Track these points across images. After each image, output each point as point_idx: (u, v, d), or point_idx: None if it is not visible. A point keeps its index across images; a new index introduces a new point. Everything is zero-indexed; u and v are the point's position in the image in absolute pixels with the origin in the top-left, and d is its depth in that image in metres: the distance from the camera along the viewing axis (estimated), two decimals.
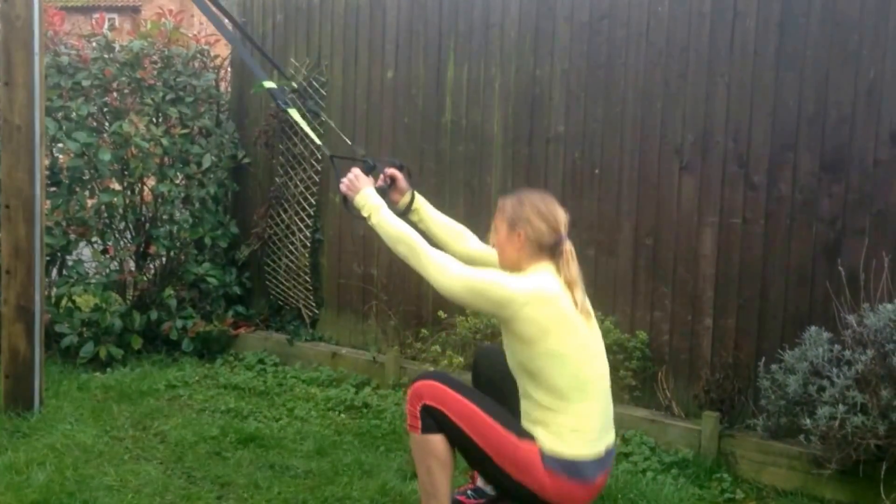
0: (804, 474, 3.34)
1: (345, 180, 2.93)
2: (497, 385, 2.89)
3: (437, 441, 2.70)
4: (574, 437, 2.60)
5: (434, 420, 2.67)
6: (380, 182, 3.04)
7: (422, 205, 3.12)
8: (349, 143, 3.42)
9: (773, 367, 3.38)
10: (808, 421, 3.13)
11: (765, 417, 3.42)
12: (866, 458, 3.08)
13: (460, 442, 2.68)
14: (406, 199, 3.08)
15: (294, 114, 3.21)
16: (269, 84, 3.27)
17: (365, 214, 2.85)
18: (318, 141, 3.20)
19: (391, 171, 3.08)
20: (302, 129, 3.22)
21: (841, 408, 3.03)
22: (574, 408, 2.61)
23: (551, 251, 2.69)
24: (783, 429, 3.39)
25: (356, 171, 2.93)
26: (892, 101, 3.36)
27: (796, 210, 3.57)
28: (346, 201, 2.94)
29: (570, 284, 2.67)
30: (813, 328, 3.30)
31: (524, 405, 2.69)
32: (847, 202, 3.47)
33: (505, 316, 2.61)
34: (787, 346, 3.39)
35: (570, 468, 2.59)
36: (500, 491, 2.79)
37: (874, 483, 3.08)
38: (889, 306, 3.10)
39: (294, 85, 3.44)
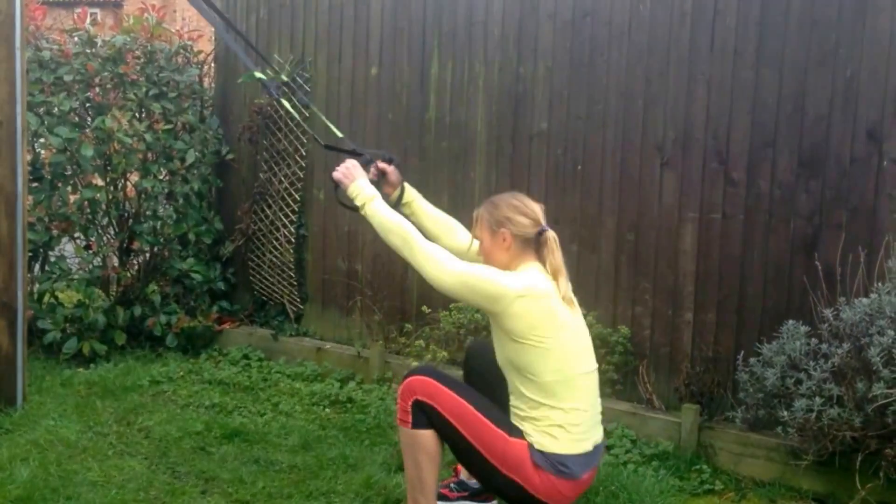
0: (782, 465, 3.39)
1: (341, 168, 2.93)
2: (488, 380, 2.93)
3: (427, 436, 2.73)
4: (561, 434, 2.64)
5: (426, 415, 2.70)
6: (370, 176, 3.05)
7: (414, 198, 3.14)
8: (339, 135, 3.43)
9: (752, 360, 3.43)
10: (785, 413, 3.18)
11: (743, 410, 3.47)
12: (842, 450, 3.14)
13: (451, 438, 2.71)
14: (397, 192, 3.11)
15: (286, 104, 3.23)
16: (259, 74, 3.28)
17: (358, 203, 2.86)
18: (310, 131, 3.21)
19: (382, 164, 3.10)
20: (297, 119, 3.24)
21: (817, 400, 3.08)
22: (561, 404, 2.65)
23: (536, 244, 2.74)
24: (761, 421, 3.45)
25: (353, 161, 2.95)
26: (868, 100, 3.41)
27: (775, 206, 3.62)
28: (338, 188, 2.94)
29: (555, 273, 2.71)
30: (790, 322, 3.35)
31: (513, 401, 2.73)
32: (824, 198, 3.52)
33: (496, 311, 2.64)
34: (766, 340, 3.43)
35: (557, 464, 2.63)
36: (488, 486, 2.82)
37: (850, 474, 3.13)
38: (865, 300, 3.15)
39: (284, 77, 3.45)
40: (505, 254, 2.76)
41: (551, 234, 2.75)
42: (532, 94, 4.19)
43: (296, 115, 3.22)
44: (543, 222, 2.76)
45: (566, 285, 2.73)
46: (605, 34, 3.97)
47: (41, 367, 4.53)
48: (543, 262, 2.74)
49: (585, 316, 3.93)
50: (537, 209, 2.78)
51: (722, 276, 3.75)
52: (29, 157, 4.43)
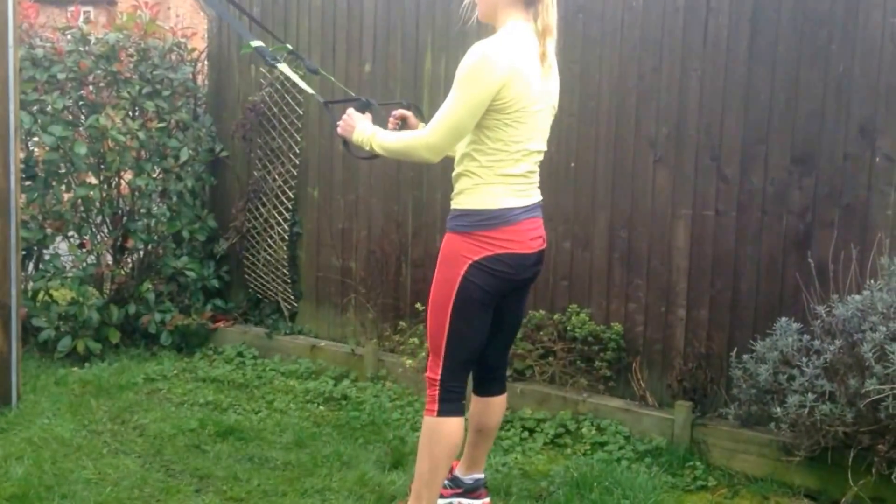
0: (774, 461, 3.41)
1: (340, 123, 2.90)
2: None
3: (452, 425, 2.75)
4: (500, 188, 2.66)
5: (456, 386, 2.76)
6: (391, 125, 3.03)
7: None
8: (352, 94, 3.42)
9: (745, 356, 3.43)
10: (778, 409, 3.19)
11: (736, 406, 3.48)
12: (834, 445, 3.15)
13: (452, 326, 2.73)
14: None
15: (284, 68, 3.22)
16: (256, 43, 3.27)
17: (367, 149, 2.82)
18: (310, 90, 3.20)
19: (400, 112, 3.06)
20: (293, 81, 3.23)
21: (810, 396, 3.09)
22: (509, 166, 2.66)
23: (529, 1, 2.68)
24: (754, 417, 3.45)
25: (349, 111, 2.90)
26: (860, 96, 3.42)
27: (767, 202, 3.63)
28: (347, 145, 2.91)
29: (544, 31, 2.67)
30: (783, 319, 3.35)
31: (458, 170, 2.74)
32: (817, 195, 3.53)
33: (492, 96, 2.57)
34: (759, 337, 3.44)
35: (488, 219, 2.66)
36: (473, 301, 2.74)
37: (842, 469, 3.15)
38: (857, 297, 3.16)
39: (289, 47, 3.47)
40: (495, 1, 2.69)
41: None
42: None
43: (293, 78, 3.20)
44: None
45: (552, 48, 2.69)
46: (597, 30, 3.97)
47: (35, 366, 4.54)
48: (535, 18, 2.68)
49: (578, 313, 4.00)
50: None
51: (715, 273, 3.75)
52: (22, 156, 4.42)
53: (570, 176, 4.08)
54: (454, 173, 2.77)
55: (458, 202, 2.75)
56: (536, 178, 2.81)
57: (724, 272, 3.73)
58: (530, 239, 2.75)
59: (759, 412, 3.40)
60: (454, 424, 2.76)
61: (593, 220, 4.03)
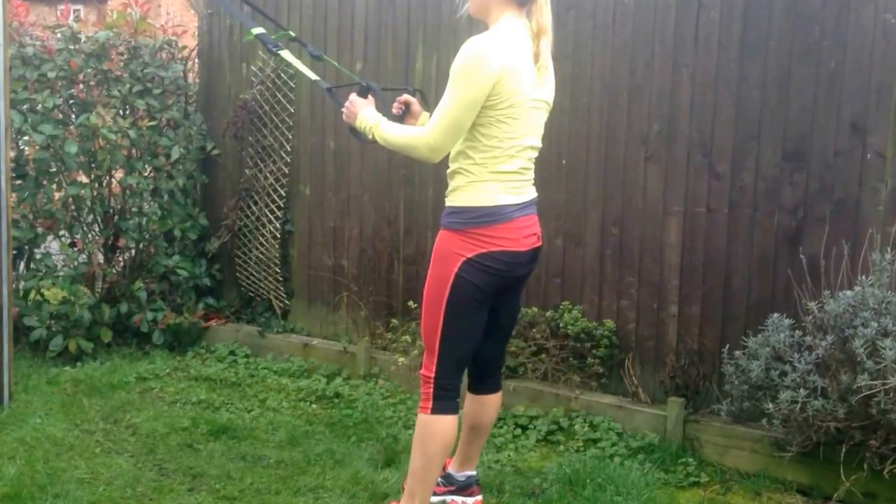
0: (766, 457, 3.41)
1: (343, 109, 2.91)
2: None
3: (446, 423, 2.75)
4: (494, 184, 2.66)
5: (449, 383, 2.76)
6: (394, 109, 3.04)
7: None
8: (356, 78, 3.41)
9: (737, 353, 3.44)
10: (770, 405, 3.20)
11: (728, 402, 3.49)
12: (826, 441, 3.16)
13: (446, 324, 2.74)
14: (421, 122, 3.07)
15: (286, 54, 3.21)
16: (257, 30, 3.27)
17: (369, 137, 2.83)
18: (314, 76, 3.19)
19: (405, 97, 3.09)
20: (296, 68, 3.22)
21: (802, 392, 3.10)
22: (503, 161, 2.66)
23: (523, 1, 2.68)
24: (746, 413, 3.47)
25: (352, 97, 2.91)
26: (852, 92, 3.43)
27: (759, 199, 3.64)
28: (354, 131, 2.92)
29: (538, 32, 2.66)
30: (775, 315, 3.36)
31: (452, 168, 2.74)
32: (808, 191, 3.54)
33: (487, 95, 2.57)
34: (751, 333, 3.45)
35: (478, 216, 2.66)
36: (470, 300, 2.75)
37: (834, 465, 3.16)
38: (848, 293, 3.17)
39: (292, 34, 3.47)
40: None
41: None
42: None
43: (296, 64, 3.20)
44: None
45: (546, 48, 2.67)
46: (589, 27, 3.97)
47: (27, 366, 4.52)
48: (528, 18, 2.67)
49: (570, 310, 4.01)
50: None
51: (707, 270, 3.76)
52: (12, 155, 4.40)
53: (562, 173, 4.08)
54: (448, 171, 2.76)
55: (452, 199, 2.74)
56: (531, 174, 2.81)
57: (715, 269, 3.74)
58: (524, 237, 2.75)
59: (751, 408, 3.41)
60: (448, 422, 2.77)
61: (585, 217, 4.03)
